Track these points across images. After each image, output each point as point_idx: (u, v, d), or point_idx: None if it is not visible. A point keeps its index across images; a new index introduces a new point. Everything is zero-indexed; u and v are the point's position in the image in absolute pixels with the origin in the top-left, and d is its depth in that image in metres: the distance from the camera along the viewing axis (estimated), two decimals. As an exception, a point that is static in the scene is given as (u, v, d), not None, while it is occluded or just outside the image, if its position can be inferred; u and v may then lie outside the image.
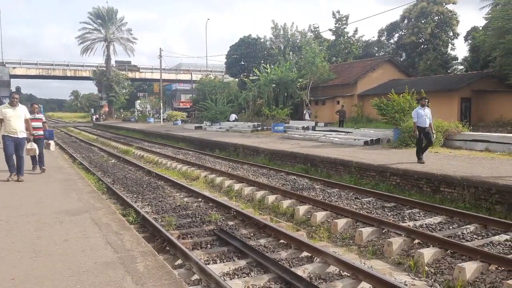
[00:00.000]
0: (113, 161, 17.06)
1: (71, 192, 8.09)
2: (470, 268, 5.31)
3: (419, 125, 11.63)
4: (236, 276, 5.28)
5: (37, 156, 10.43)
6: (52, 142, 12.37)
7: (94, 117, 63.59)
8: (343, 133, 20.71)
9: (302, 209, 8.66)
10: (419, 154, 11.52)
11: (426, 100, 12.02)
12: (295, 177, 12.32)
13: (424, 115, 11.61)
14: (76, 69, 65.62)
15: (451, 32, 40.96)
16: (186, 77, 64.58)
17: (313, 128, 24.88)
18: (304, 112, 27.90)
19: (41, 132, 10.91)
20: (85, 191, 8.23)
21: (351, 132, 20.53)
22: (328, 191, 10.30)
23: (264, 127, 27.78)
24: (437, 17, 40.31)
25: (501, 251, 6.02)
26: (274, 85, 33.32)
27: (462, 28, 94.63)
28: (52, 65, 64.56)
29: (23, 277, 4.00)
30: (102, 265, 4.28)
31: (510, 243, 6.37)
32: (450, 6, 40.39)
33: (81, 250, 4.76)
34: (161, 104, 47.39)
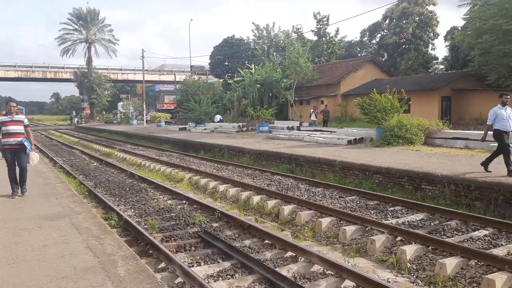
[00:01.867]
0: (95, 164, 16.81)
1: (50, 197, 7.94)
2: (451, 263, 5.39)
3: (500, 129, 9.00)
4: (220, 278, 5.25)
5: (18, 175, 8.06)
6: (35, 155, 8.14)
7: (75, 119, 62.64)
8: (327, 133, 20.84)
9: (287, 209, 8.67)
10: (489, 162, 9.24)
11: (508, 97, 9.16)
12: (280, 177, 12.33)
13: (507, 117, 9.01)
14: (56, 70, 64.54)
15: (432, 32, 41.67)
16: (170, 78, 64.14)
17: (298, 128, 24.97)
18: (311, 111, 27.81)
19: (22, 139, 7.91)
20: (65, 195, 8.08)
21: (335, 132, 20.68)
22: (313, 190, 10.34)
23: (249, 128, 27.76)
24: (418, 18, 40.95)
25: (480, 247, 6.13)
26: (258, 85, 33.36)
27: (442, 28, 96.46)
28: (31, 66, 63.35)
29: (0, 284, 3.89)
30: (81, 271, 4.20)
31: (489, 238, 6.50)
32: (430, 7, 41.10)
33: (60, 255, 4.67)
34: (144, 105, 46.90)
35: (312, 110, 27.90)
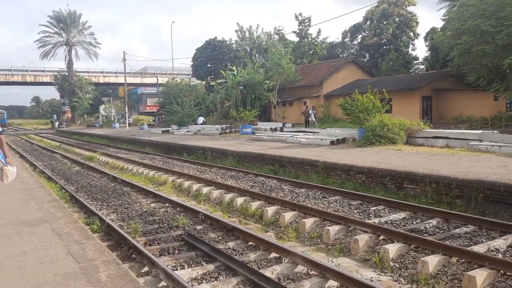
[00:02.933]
0: (76, 168, 16.54)
1: (30, 202, 7.77)
2: (433, 261, 5.47)
3: None
4: (204, 281, 5.21)
5: None
6: (9, 170, 6.27)
7: (56, 123, 61.60)
8: (310, 133, 20.95)
9: (271, 210, 8.67)
10: None
11: None
12: (263, 178, 12.34)
13: None
14: (36, 74, 63.34)
15: (412, 32, 42.33)
16: (152, 80, 63.58)
17: (281, 129, 25.06)
18: (310, 112, 27.94)
19: None
20: (46, 200, 7.92)
21: (318, 132, 20.81)
22: (296, 191, 10.38)
23: (233, 130, 27.73)
24: (398, 19, 41.56)
25: (461, 244, 6.23)
26: (241, 87, 33.37)
27: (422, 29, 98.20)
28: (10, 70, 62.04)
29: (-24, 294, 3.79)
30: (62, 277, 4.11)
31: (470, 235, 6.61)
32: (410, 8, 41.76)
33: (40, 262, 4.57)
34: (127, 108, 46.38)
35: (311, 111, 28.09)
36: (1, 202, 7.81)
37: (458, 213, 7.66)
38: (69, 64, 57.47)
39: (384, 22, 41.49)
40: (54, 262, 4.54)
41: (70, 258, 4.67)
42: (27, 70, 63.06)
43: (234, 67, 35.54)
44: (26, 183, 10.07)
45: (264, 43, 40.31)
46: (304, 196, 9.77)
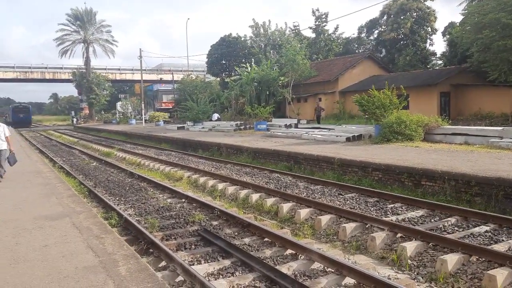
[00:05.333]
0: (94, 164, 16.79)
1: (51, 197, 7.93)
2: (452, 260, 5.39)
3: None
4: (221, 276, 5.25)
5: None
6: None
7: (74, 119, 62.61)
8: (326, 130, 20.83)
9: (286, 206, 8.67)
10: None
11: None
12: (278, 175, 12.33)
13: None
14: (55, 71, 64.45)
15: (429, 27, 41.59)
16: (168, 77, 64.03)
17: (296, 126, 24.97)
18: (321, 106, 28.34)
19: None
20: (66, 195, 8.07)
21: (333, 129, 20.67)
22: (312, 188, 10.34)
23: (247, 126, 27.74)
24: (415, 13, 40.87)
25: (481, 242, 6.13)
26: (256, 83, 33.30)
27: (440, 24, 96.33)
28: (30, 67, 63.27)
29: (2, 285, 3.89)
30: (83, 270, 4.19)
31: (490, 234, 6.50)
32: (428, 3, 41.04)
33: (61, 255, 4.66)
34: (143, 105, 46.83)
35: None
36: (24, 196, 8.02)
37: (478, 211, 7.52)
38: (87, 61, 58.24)
39: (402, 17, 40.83)
40: (75, 256, 4.63)
41: (90, 252, 4.75)
42: (46, 67, 64.17)
43: (249, 64, 35.49)
44: (46, 178, 10.27)
45: (278, 39, 40.13)
46: (319, 193, 9.74)
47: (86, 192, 10.45)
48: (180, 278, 5.09)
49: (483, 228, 6.74)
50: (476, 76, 25.54)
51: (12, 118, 61.43)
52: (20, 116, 61.42)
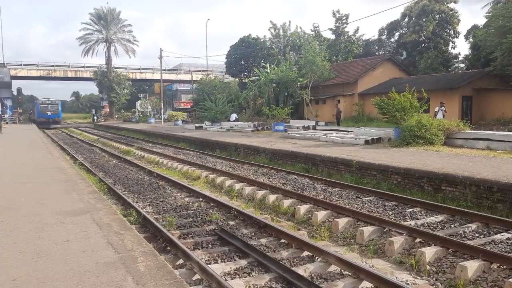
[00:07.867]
0: (114, 161, 17.07)
1: (72, 193, 8.10)
2: (472, 266, 5.30)
3: None
4: (237, 276, 5.27)
5: None
6: None
7: (95, 117, 63.73)
8: (344, 132, 20.69)
9: (303, 208, 8.65)
10: None
11: None
12: (295, 176, 12.31)
13: None
14: (77, 70, 65.73)
15: (452, 30, 40.85)
16: (187, 77, 64.60)
17: (314, 128, 24.87)
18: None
19: None
20: (86, 192, 8.23)
21: (352, 131, 20.51)
22: (329, 190, 10.29)
23: (265, 127, 27.77)
24: (438, 16, 40.20)
25: (503, 250, 6.00)
26: (274, 84, 33.29)
27: (463, 27, 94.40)
28: (53, 66, 64.69)
29: (25, 278, 4.00)
30: (103, 266, 4.27)
31: (512, 241, 6.36)
32: (451, 5, 40.30)
33: (82, 250, 4.76)
34: (162, 104, 47.37)
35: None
36: (46, 191, 8.21)
37: (500, 218, 7.35)
38: (108, 60, 59.26)
39: (424, 19, 40.22)
40: (95, 251, 4.72)
41: (110, 248, 4.84)
42: (68, 66, 65.50)
43: (268, 65, 35.51)
44: (67, 175, 10.49)
45: (298, 40, 40.02)
46: (337, 196, 9.68)
47: (106, 189, 10.63)
48: (197, 276, 5.14)
49: (505, 235, 6.60)
50: (499, 80, 24.97)
51: (38, 115, 52.13)
52: (48, 114, 51.39)
